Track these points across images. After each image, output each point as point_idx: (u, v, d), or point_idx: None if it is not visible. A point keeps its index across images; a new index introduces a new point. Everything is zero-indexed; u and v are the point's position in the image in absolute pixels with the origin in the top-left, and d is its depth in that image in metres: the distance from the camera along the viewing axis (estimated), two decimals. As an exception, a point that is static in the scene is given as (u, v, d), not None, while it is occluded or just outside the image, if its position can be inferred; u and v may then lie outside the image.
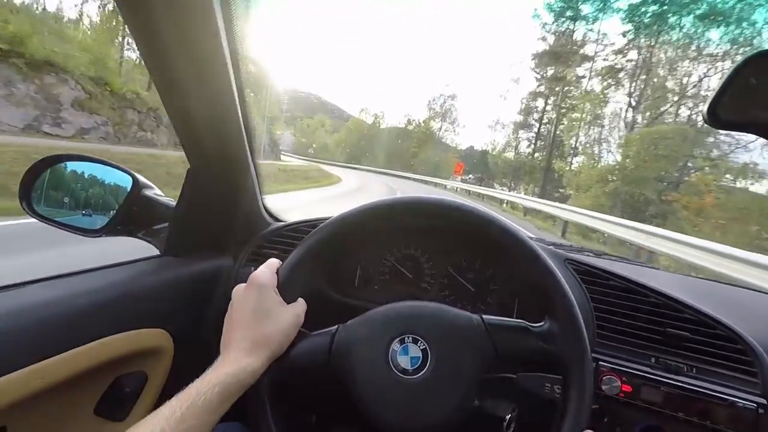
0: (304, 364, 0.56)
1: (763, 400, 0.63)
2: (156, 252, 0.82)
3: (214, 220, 0.86)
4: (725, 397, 0.64)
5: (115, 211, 0.77)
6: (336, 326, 0.58)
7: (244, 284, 0.58)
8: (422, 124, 60.26)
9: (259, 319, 0.54)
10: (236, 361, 0.50)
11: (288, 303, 0.57)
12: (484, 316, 0.56)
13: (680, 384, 0.66)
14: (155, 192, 0.82)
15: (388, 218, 0.65)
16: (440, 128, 59.83)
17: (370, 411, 0.53)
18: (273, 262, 0.61)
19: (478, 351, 0.54)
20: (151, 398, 0.72)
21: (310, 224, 0.90)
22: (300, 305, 0.59)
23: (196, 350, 0.78)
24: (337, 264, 0.85)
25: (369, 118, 70.85)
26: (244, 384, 0.49)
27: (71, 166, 0.76)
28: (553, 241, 0.98)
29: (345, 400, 0.54)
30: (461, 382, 0.53)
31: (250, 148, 0.80)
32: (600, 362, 0.69)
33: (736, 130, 0.52)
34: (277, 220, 0.99)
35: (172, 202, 0.81)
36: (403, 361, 0.53)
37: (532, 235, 0.96)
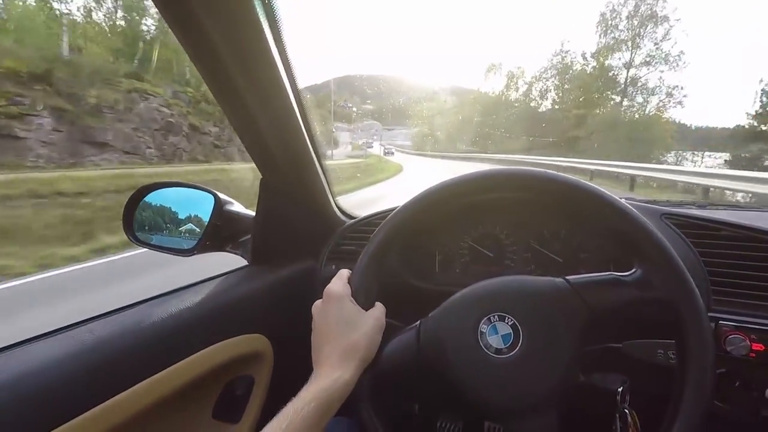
0: (396, 363, 0.56)
1: None
2: (244, 263, 0.87)
3: (292, 226, 0.89)
4: None
5: (203, 230, 0.82)
6: (418, 321, 0.57)
7: (320, 300, 0.59)
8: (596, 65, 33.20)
9: (341, 330, 0.54)
10: (328, 375, 0.50)
11: (366, 308, 0.57)
12: (568, 277, 0.52)
13: None
14: (236, 206, 0.87)
15: (450, 200, 0.62)
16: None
17: (470, 396, 0.51)
18: (344, 273, 0.62)
19: (571, 314, 0.50)
20: (260, 399, 0.77)
21: (382, 216, 0.90)
22: (378, 309, 0.59)
23: (294, 351, 0.81)
24: (415, 252, 0.84)
25: (499, 83, 48.46)
26: (340, 396, 0.49)
27: (161, 194, 0.83)
28: (646, 199, 0.89)
29: (443, 389, 0.53)
30: (560, 352, 0.49)
31: (315, 150, 0.82)
32: (720, 321, 0.61)
33: None
34: (350, 217, 1.01)
35: (251, 213, 0.85)
36: (495, 341, 0.50)
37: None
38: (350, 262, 0.88)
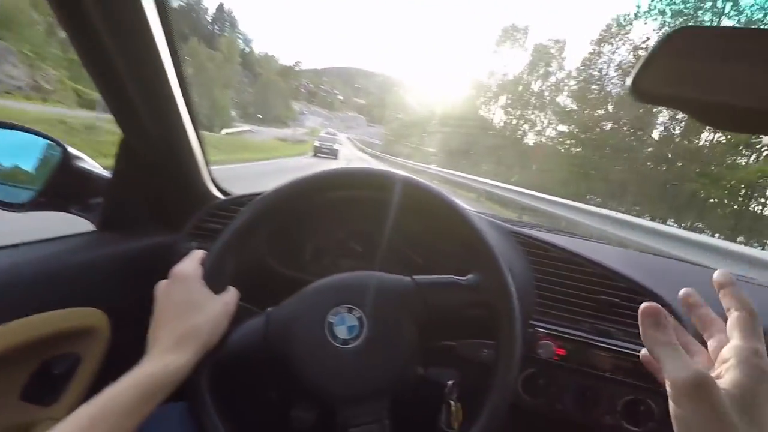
0: (238, 349, 0.55)
1: None
2: (90, 228, 0.77)
3: (153, 193, 0.82)
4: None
5: (41, 184, 0.71)
6: (268, 309, 0.57)
7: (166, 280, 0.55)
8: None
9: (183, 313, 0.51)
10: (159, 359, 0.47)
11: (216, 292, 0.55)
12: (414, 277, 0.58)
13: (609, 346, 0.70)
14: (88, 163, 0.77)
15: (311, 194, 0.64)
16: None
17: (312, 384, 0.53)
18: (197, 253, 0.59)
19: (413, 310, 0.55)
20: (85, 381, 0.69)
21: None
22: (231, 294, 0.57)
23: (136, 330, 0.74)
24: (286, 238, 0.83)
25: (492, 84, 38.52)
26: (170, 382, 0.46)
27: (-12, 133, 0.70)
28: (509, 219, 1.01)
29: (290, 377, 0.54)
30: (400, 344, 0.54)
31: (191, 115, 0.76)
32: (537, 328, 0.73)
33: (659, 105, 0.55)
34: (226, 193, 0.96)
35: (108, 174, 0.76)
36: (341, 332, 0.53)
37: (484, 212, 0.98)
38: (214, 241, 0.84)
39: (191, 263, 0.56)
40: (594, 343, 0.71)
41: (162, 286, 0.55)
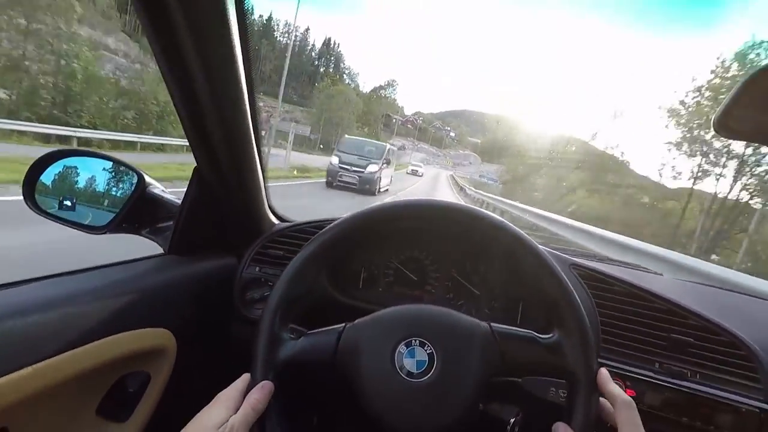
0: (310, 361, 0.56)
1: (765, 405, 0.64)
2: (160, 251, 0.82)
3: (219, 220, 0.85)
4: (729, 402, 0.65)
5: (120, 208, 0.76)
6: (343, 324, 0.57)
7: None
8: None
9: None
10: None
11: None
12: (492, 324, 0.56)
13: (684, 389, 0.67)
14: (161, 190, 0.81)
15: (385, 223, 0.64)
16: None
17: (373, 412, 0.52)
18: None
19: (485, 358, 0.54)
20: (154, 398, 0.71)
21: (316, 225, 0.90)
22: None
23: (199, 350, 0.77)
24: (341, 266, 0.85)
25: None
26: None
27: (77, 162, 0.76)
28: (557, 246, 0.99)
29: (349, 399, 0.54)
30: (466, 387, 0.52)
31: (258, 148, 0.80)
32: (604, 367, 0.70)
33: (744, 140, 0.53)
34: (283, 220, 0.99)
35: (179, 201, 0.80)
36: (409, 364, 0.52)
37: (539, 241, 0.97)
38: (275, 267, 0.87)
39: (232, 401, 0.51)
40: (667, 384, 0.68)
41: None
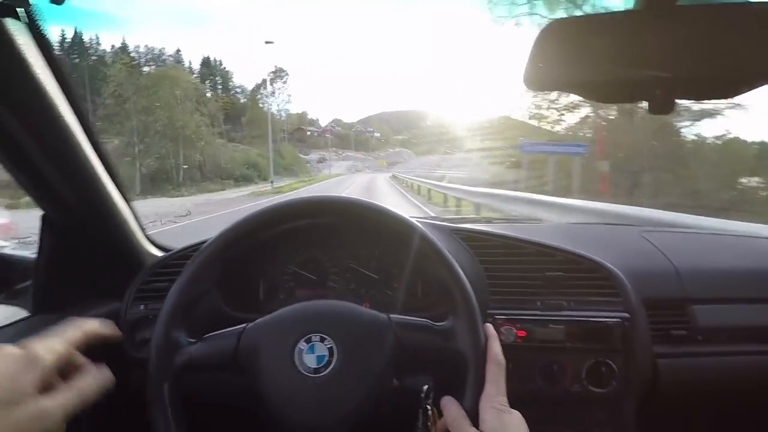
0: (209, 364, 0.55)
1: (626, 314, 0.74)
2: (24, 314, 0.73)
3: (86, 265, 0.78)
4: (599, 319, 0.74)
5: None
6: (244, 325, 0.56)
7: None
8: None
9: None
10: None
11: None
12: (391, 316, 0.57)
13: (563, 318, 0.75)
14: (8, 249, 0.73)
15: (262, 229, 0.63)
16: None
17: (275, 412, 0.52)
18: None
19: (384, 348, 0.55)
20: None
21: (195, 248, 0.86)
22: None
23: (101, 413, 0.70)
24: (236, 283, 0.82)
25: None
26: None
27: None
28: (436, 216, 1.04)
29: (250, 404, 0.54)
30: (366, 376, 0.54)
31: (113, 177, 0.74)
32: (496, 316, 0.76)
33: (554, 90, 0.60)
34: (165, 249, 0.93)
35: (32, 255, 0.72)
36: (309, 360, 0.53)
37: (425, 215, 1.01)
38: (162, 300, 0.81)
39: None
40: (549, 317, 0.75)
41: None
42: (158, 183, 29.41)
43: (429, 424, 0.63)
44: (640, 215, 3.40)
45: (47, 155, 0.63)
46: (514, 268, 0.81)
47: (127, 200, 0.81)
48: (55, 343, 0.45)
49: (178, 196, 23.42)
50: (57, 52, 0.59)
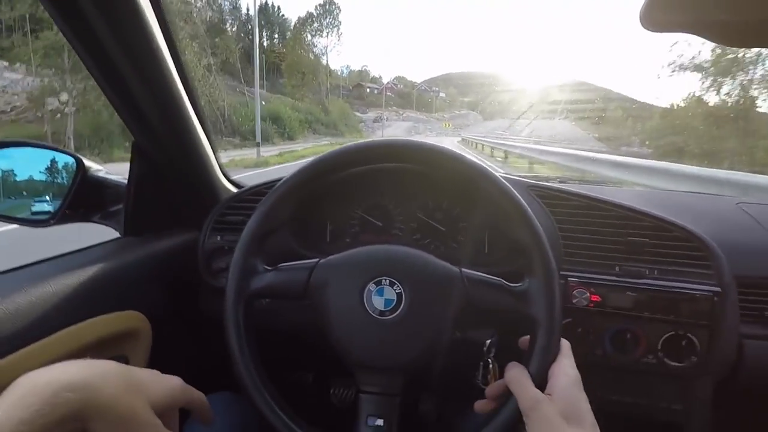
0: (281, 293, 0.57)
1: (717, 288, 0.68)
2: (116, 234, 0.79)
3: (171, 194, 0.83)
4: (685, 291, 0.68)
5: (63, 197, 0.73)
6: (316, 260, 0.57)
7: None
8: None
9: None
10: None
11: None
12: (463, 270, 0.56)
13: (643, 286, 0.70)
14: (104, 172, 0.78)
15: (338, 169, 0.62)
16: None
17: (342, 347, 0.54)
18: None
19: (452, 301, 0.54)
20: None
21: (270, 185, 0.88)
22: None
23: (173, 328, 0.77)
24: (305, 223, 0.84)
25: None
26: None
27: (10, 153, 0.72)
28: (519, 174, 1.00)
29: (316, 336, 0.55)
30: (432, 325, 0.53)
31: (198, 114, 0.77)
32: (569, 278, 0.73)
33: (674, 31, 0.53)
34: (238, 186, 0.97)
35: (124, 181, 0.77)
36: (378, 302, 0.53)
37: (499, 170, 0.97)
38: (236, 233, 0.85)
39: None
40: (627, 284, 0.71)
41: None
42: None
43: (489, 377, 0.63)
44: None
45: (145, 86, 0.66)
46: (593, 230, 0.77)
47: (208, 136, 0.83)
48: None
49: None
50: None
